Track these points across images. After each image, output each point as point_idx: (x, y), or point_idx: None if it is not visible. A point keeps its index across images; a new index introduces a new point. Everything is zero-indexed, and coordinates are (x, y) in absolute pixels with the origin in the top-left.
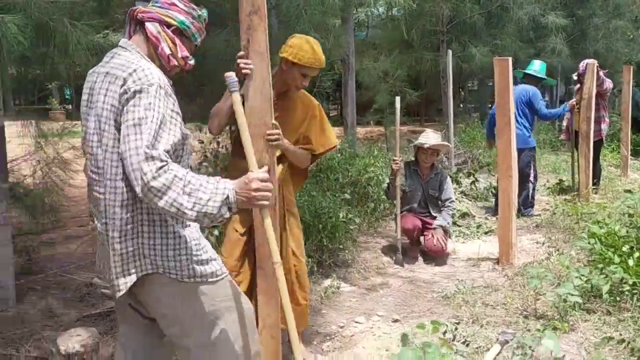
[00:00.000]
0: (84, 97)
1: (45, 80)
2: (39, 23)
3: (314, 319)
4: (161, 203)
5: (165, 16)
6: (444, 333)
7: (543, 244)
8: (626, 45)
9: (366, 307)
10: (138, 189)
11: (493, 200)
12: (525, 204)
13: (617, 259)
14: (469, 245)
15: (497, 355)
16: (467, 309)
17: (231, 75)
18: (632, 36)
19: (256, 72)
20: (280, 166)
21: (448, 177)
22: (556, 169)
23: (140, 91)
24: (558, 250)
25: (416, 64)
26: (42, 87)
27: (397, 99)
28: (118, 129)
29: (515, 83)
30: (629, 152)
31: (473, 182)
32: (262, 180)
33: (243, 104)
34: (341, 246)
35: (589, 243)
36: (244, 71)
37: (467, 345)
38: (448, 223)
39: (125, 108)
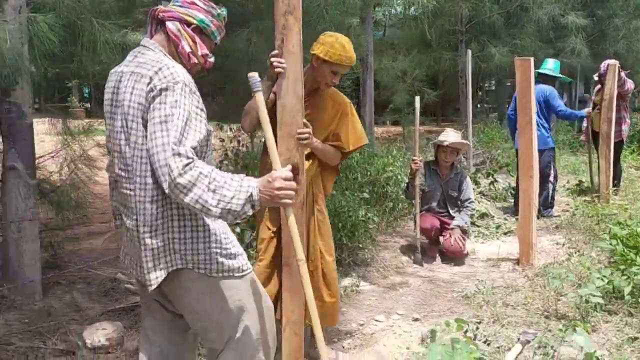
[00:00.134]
0: (107, 96)
1: (72, 78)
2: (68, 22)
3: None
4: (187, 199)
5: (185, 15)
6: (465, 332)
7: (563, 245)
8: None
9: (386, 306)
10: (165, 185)
11: (512, 200)
12: (545, 205)
13: (639, 261)
14: (488, 245)
15: (519, 355)
16: (487, 308)
17: (254, 76)
18: None
19: (289, 71)
20: (309, 163)
21: (468, 177)
22: (575, 170)
23: (166, 89)
24: (578, 251)
25: (435, 63)
26: (62, 85)
27: (417, 98)
28: (146, 127)
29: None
30: None
31: (492, 183)
32: (286, 179)
33: (273, 102)
34: (360, 245)
35: (610, 244)
36: (277, 69)
37: (489, 344)
38: (466, 223)
39: (151, 106)
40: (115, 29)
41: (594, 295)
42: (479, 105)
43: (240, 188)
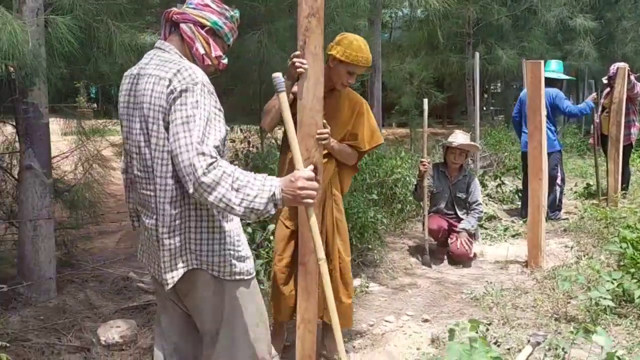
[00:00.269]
0: (123, 98)
1: (87, 80)
2: (84, 24)
3: None
4: (211, 198)
5: (199, 17)
6: (476, 333)
7: (572, 248)
8: None
9: (395, 307)
10: (190, 185)
11: (519, 203)
12: (553, 208)
13: None
14: (496, 247)
15: (529, 356)
16: (497, 310)
17: (278, 76)
18: None
19: (310, 73)
20: (327, 163)
21: (476, 179)
22: (583, 173)
23: (186, 90)
24: (587, 254)
25: (442, 66)
26: (70, 86)
27: (425, 101)
28: (167, 129)
29: None
30: None
31: (499, 185)
32: (308, 179)
33: (291, 102)
34: (369, 246)
35: (620, 247)
36: (298, 70)
37: (499, 346)
38: (473, 226)
39: (172, 107)
40: (130, 30)
41: (604, 298)
42: (484, 108)
43: (263, 187)
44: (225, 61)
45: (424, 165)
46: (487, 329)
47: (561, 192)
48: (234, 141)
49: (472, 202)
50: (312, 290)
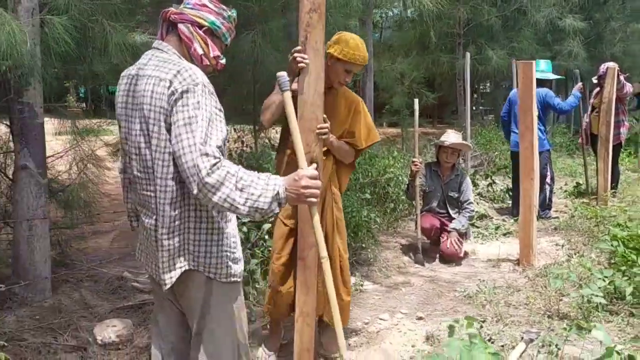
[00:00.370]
0: (121, 99)
1: (82, 80)
2: (80, 24)
3: None
4: (215, 198)
5: (197, 17)
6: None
7: (563, 246)
8: None
9: (389, 305)
10: (194, 185)
11: (510, 202)
12: (543, 206)
13: None
14: (488, 246)
15: (523, 353)
16: (490, 308)
17: (283, 75)
18: None
19: (311, 68)
20: (326, 161)
21: (468, 178)
22: (572, 172)
23: (187, 91)
24: (578, 252)
25: (432, 66)
26: (60, 85)
27: (416, 101)
28: (168, 130)
29: None
30: None
31: (490, 184)
32: (312, 178)
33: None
34: (363, 245)
35: (611, 245)
36: (300, 65)
37: (493, 343)
38: (463, 226)
39: (174, 109)
40: (124, 30)
41: (596, 296)
42: (474, 108)
43: (267, 186)
44: (223, 61)
45: (415, 165)
46: (481, 327)
47: (551, 191)
48: (228, 141)
49: (464, 201)
50: (311, 285)
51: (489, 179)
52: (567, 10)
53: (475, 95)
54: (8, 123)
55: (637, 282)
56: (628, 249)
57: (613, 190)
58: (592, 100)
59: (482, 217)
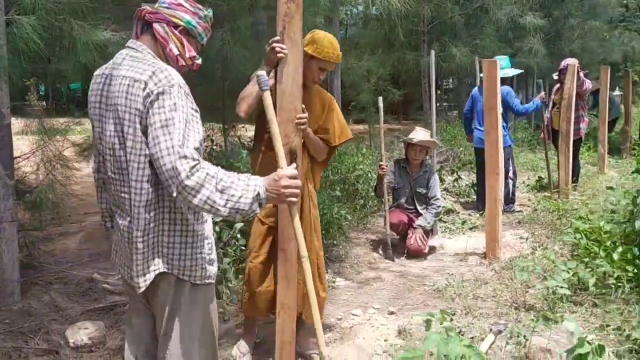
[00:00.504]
0: (94, 98)
1: (49, 79)
2: (47, 24)
3: None
4: (195, 201)
5: (172, 16)
6: (441, 324)
7: (527, 239)
8: (600, 46)
9: (361, 300)
10: (173, 188)
11: (475, 197)
12: (507, 201)
13: (602, 253)
14: (455, 240)
15: (492, 344)
16: (459, 301)
17: (263, 74)
18: (607, 37)
19: (290, 58)
20: (302, 158)
21: (436, 175)
22: (534, 166)
23: (163, 92)
24: (542, 245)
25: (398, 63)
26: (20, 84)
27: (380, 99)
28: (143, 132)
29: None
30: (606, 150)
31: (456, 180)
32: (292, 177)
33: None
34: (334, 242)
35: (574, 238)
36: (278, 55)
37: (462, 335)
38: (429, 223)
39: (150, 111)
40: (92, 29)
41: (561, 287)
42: (438, 104)
43: (247, 187)
44: (199, 61)
45: (382, 169)
46: (452, 319)
47: (514, 185)
48: (204, 141)
49: (431, 197)
50: (291, 277)
51: (454, 174)
52: (527, 7)
53: (439, 92)
54: None
55: (600, 273)
56: (590, 241)
57: (574, 184)
58: (552, 97)
59: (448, 212)
